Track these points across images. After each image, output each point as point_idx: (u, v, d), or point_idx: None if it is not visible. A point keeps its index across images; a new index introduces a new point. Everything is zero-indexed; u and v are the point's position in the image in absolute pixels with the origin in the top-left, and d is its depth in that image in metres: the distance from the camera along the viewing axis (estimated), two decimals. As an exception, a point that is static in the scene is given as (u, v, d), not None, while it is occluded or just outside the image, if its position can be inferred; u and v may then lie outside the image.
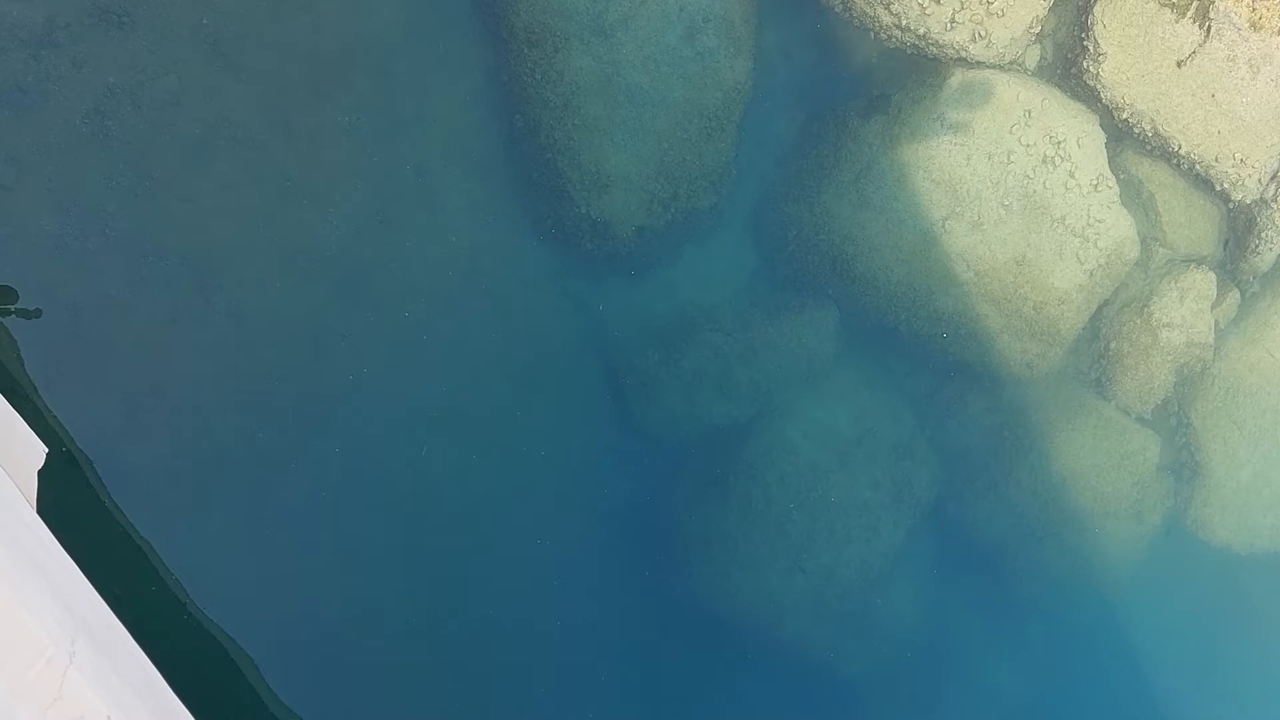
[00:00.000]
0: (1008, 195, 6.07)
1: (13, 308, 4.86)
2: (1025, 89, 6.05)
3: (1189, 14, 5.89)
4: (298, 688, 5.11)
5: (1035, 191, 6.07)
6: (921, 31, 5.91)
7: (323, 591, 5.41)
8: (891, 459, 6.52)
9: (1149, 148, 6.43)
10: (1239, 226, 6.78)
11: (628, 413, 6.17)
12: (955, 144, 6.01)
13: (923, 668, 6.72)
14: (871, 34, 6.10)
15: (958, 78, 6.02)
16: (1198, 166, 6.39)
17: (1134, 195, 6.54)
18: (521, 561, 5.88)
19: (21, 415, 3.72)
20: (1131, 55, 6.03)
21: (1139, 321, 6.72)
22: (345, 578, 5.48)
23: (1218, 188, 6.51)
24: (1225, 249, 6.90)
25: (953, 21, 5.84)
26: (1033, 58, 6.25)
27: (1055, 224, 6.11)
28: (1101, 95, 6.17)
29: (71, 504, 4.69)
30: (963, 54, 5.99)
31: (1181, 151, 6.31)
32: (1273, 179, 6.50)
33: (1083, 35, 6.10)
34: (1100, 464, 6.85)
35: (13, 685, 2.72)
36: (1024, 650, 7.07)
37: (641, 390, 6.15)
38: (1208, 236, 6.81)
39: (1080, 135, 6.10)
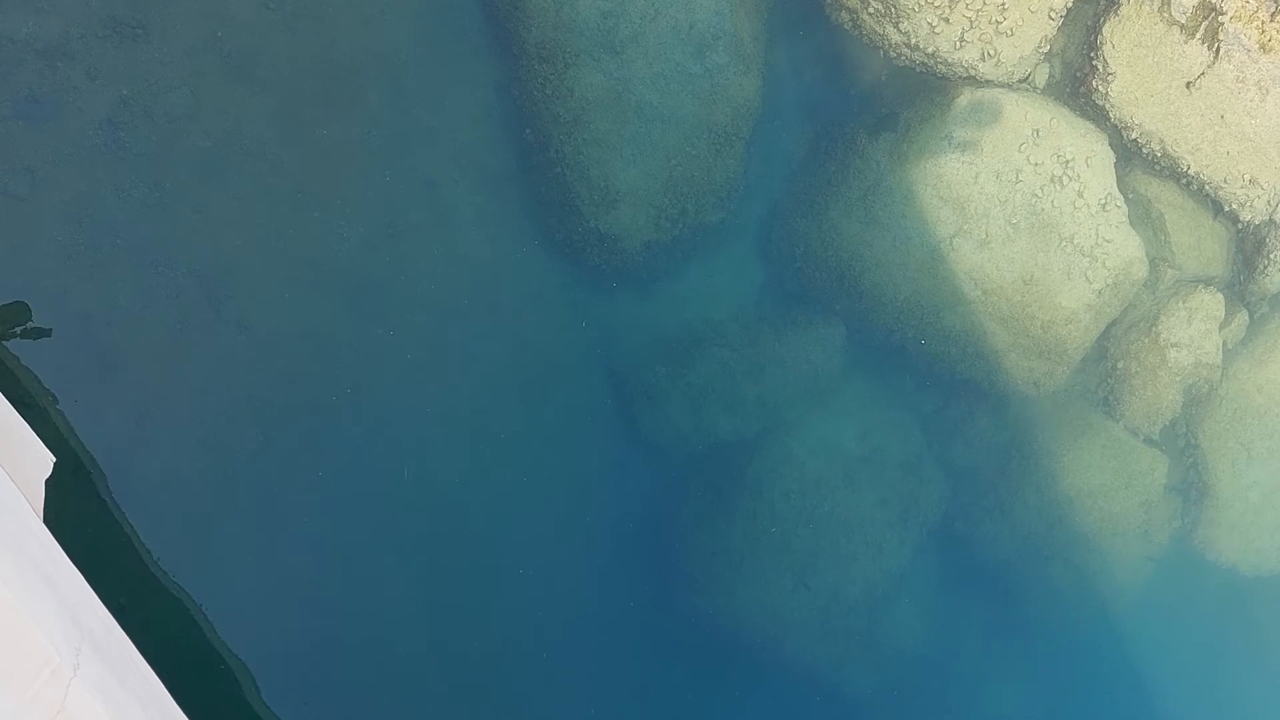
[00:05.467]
0: (1016, 214, 6.07)
1: (23, 317, 4.88)
2: (1034, 108, 6.06)
3: (1198, 35, 5.90)
4: (301, 700, 5.10)
5: (1043, 210, 6.07)
6: (930, 50, 5.92)
7: (327, 603, 5.41)
8: (898, 476, 6.51)
9: (1158, 168, 6.43)
10: (1248, 247, 6.77)
11: (635, 426, 6.17)
12: (963, 162, 6.02)
13: (928, 686, 6.69)
14: (881, 52, 6.12)
15: (966, 96, 6.03)
16: (1207, 187, 6.39)
17: (1142, 215, 6.54)
18: (527, 574, 5.87)
19: (29, 424, 3.72)
20: (1140, 75, 6.03)
21: (1147, 341, 6.71)
22: (350, 590, 5.47)
23: (1227, 208, 6.50)
24: (1234, 270, 6.89)
25: (962, 40, 5.86)
26: (1041, 77, 6.26)
27: (1063, 243, 6.11)
28: (1110, 115, 6.18)
29: (78, 513, 4.70)
30: (971, 73, 6.00)
31: (1190, 172, 6.31)
32: (1282, 200, 6.50)
33: (1092, 55, 6.11)
34: (1107, 484, 6.83)
35: (17, 697, 2.71)
36: (1030, 670, 7.03)
37: (649, 404, 6.15)
38: (1216, 257, 6.80)
39: (1089, 154, 6.11)
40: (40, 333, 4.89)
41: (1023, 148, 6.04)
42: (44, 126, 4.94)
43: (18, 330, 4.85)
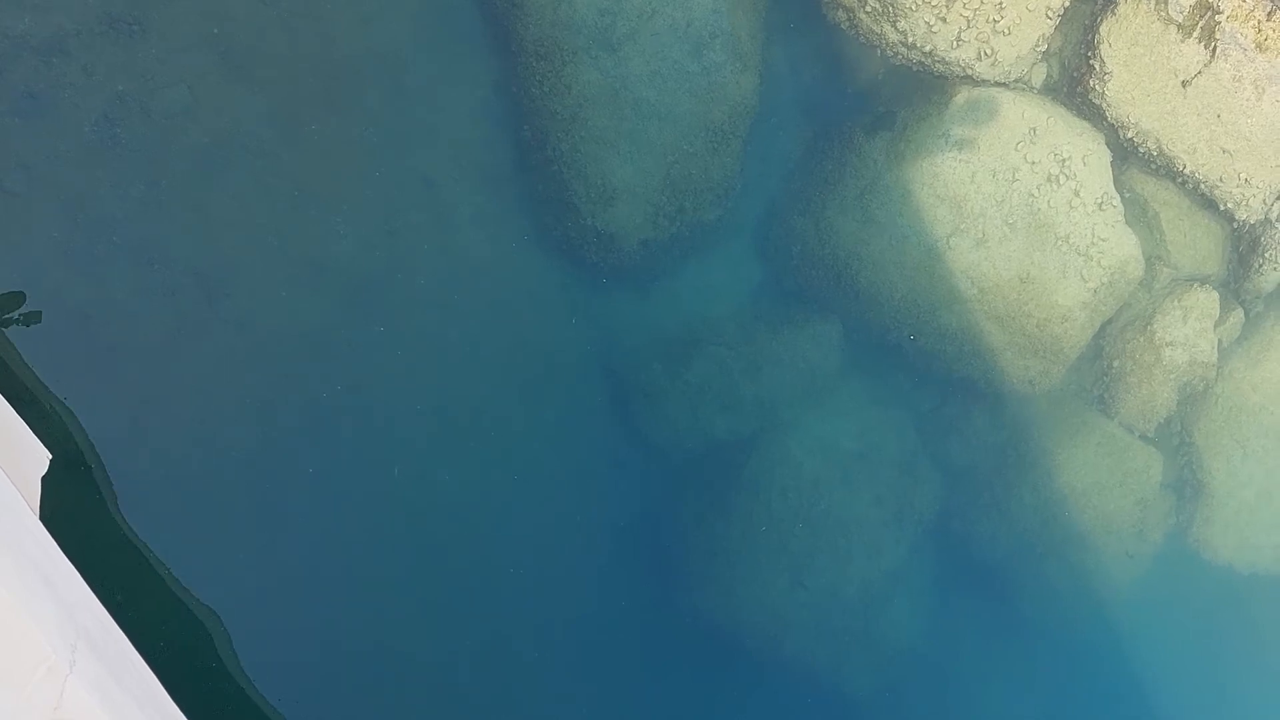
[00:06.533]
0: (1012, 213, 6.08)
1: (20, 313, 4.87)
2: (1031, 107, 6.07)
3: (1194, 34, 5.91)
4: (299, 698, 5.10)
5: (1040, 209, 6.08)
6: (928, 49, 5.93)
7: (326, 601, 5.40)
8: (894, 475, 6.51)
9: (1154, 167, 6.45)
10: (1243, 246, 6.79)
11: (632, 425, 6.17)
12: (960, 161, 6.03)
13: (926, 686, 6.70)
14: (878, 51, 6.12)
15: (963, 95, 6.04)
16: (1202, 186, 6.40)
17: (1138, 214, 6.55)
18: (524, 573, 5.87)
19: (26, 420, 3.72)
20: (1137, 74, 6.05)
21: (1142, 340, 6.72)
22: (348, 588, 5.47)
23: (1222, 207, 6.52)
24: (1229, 268, 6.91)
25: (959, 39, 5.87)
26: (1039, 76, 6.27)
27: (1059, 242, 6.12)
28: (1107, 114, 6.19)
29: (75, 510, 4.69)
30: (969, 72, 6.01)
31: (1186, 171, 6.33)
32: (1277, 199, 6.51)
33: (1089, 54, 6.12)
34: (1102, 482, 6.84)
35: (13, 695, 2.71)
36: (1027, 667, 7.05)
37: (646, 403, 6.15)
38: (1212, 256, 6.82)
39: (1085, 153, 6.12)
40: (37, 330, 4.88)
41: (1019, 147, 6.05)
42: (40, 123, 4.93)
43: (13, 326, 4.84)
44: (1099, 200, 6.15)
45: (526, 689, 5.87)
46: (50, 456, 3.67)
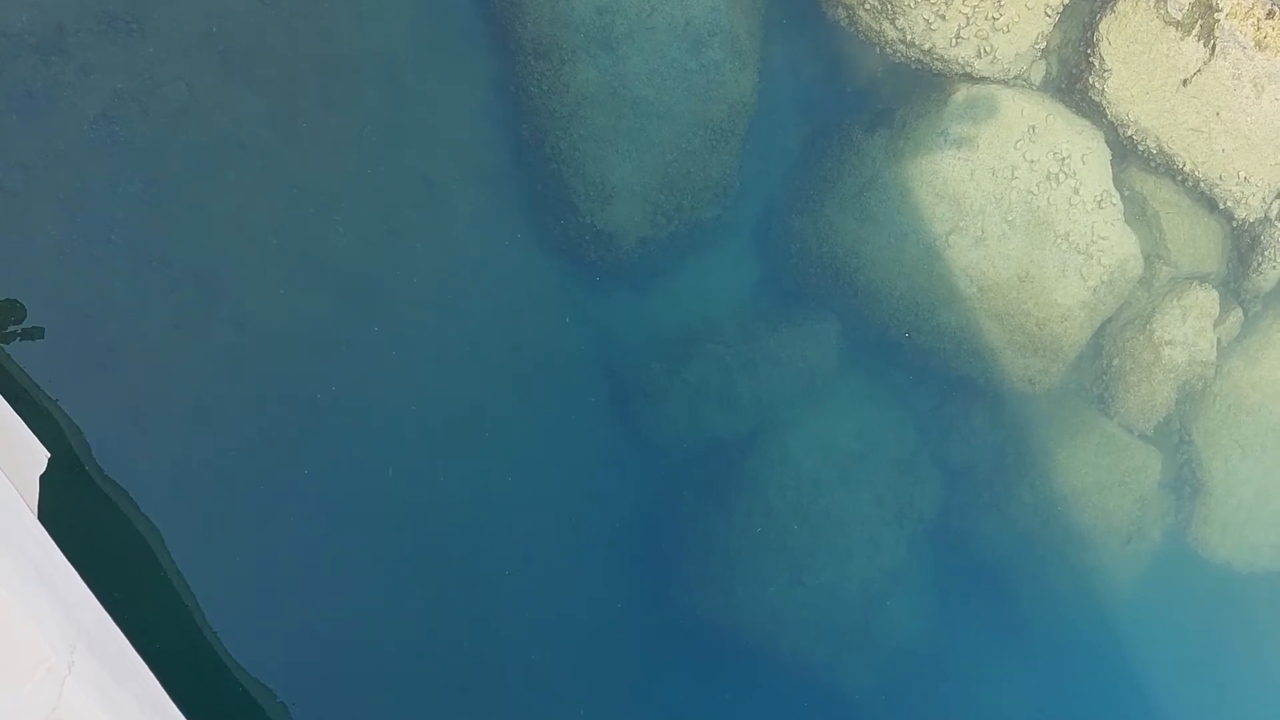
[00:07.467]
0: (1011, 211, 6.07)
1: (18, 313, 4.86)
2: (1030, 104, 6.07)
3: (1194, 32, 5.91)
4: (299, 698, 5.10)
5: (1039, 207, 6.08)
6: (927, 46, 5.93)
7: (325, 600, 5.40)
8: (894, 474, 6.51)
9: (1153, 165, 6.45)
10: (1242, 245, 6.79)
11: (631, 424, 6.17)
12: (959, 159, 6.03)
13: (925, 684, 6.70)
14: (877, 49, 6.12)
15: (962, 93, 6.04)
16: (1202, 184, 6.41)
17: (1138, 212, 6.55)
18: (523, 573, 5.87)
19: (24, 419, 3.71)
20: (1136, 72, 6.05)
21: (1142, 339, 6.73)
22: (348, 587, 5.46)
23: (1221, 206, 6.52)
24: (1229, 267, 6.91)
25: (958, 37, 5.86)
26: (1038, 73, 6.27)
27: (1059, 240, 6.12)
28: (1106, 112, 6.19)
29: (73, 510, 4.68)
30: (968, 69, 6.01)
31: (1185, 169, 6.33)
32: (1277, 197, 6.52)
33: (1088, 52, 6.12)
34: (1102, 481, 6.85)
35: (11, 695, 2.71)
36: (1026, 667, 7.05)
37: (645, 402, 6.15)
38: (1211, 254, 6.82)
39: (1085, 151, 6.12)
40: (35, 328, 4.87)
41: (1019, 144, 6.05)
42: (39, 122, 4.92)
43: (12, 328, 4.83)
44: (1098, 198, 6.15)
45: (526, 689, 5.87)
46: (49, 456, 3.67)
